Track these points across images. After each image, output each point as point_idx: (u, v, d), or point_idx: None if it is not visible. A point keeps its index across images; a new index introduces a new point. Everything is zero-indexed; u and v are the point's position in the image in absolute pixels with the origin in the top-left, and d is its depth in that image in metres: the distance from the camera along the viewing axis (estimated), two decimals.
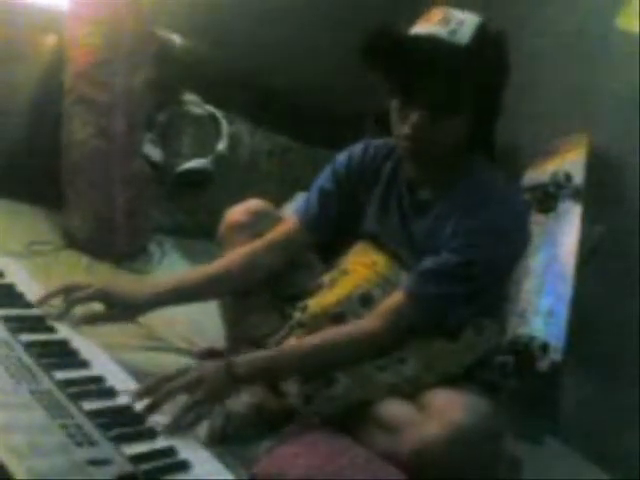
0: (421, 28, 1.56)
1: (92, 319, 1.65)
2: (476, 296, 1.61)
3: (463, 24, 1.52)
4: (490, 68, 1.53)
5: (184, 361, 1.82)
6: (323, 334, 1.64)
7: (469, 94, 1.54)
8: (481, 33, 1.53)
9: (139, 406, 1.37)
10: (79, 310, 1.65)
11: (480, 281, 1.59)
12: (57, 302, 1.65)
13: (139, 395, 1.40)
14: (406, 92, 1.57)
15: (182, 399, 1.42)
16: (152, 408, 1.37)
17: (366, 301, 1.69)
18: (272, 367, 1.58)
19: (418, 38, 1.55)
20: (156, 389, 1.41)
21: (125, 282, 2.20)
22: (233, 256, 1.79)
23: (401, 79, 1.57)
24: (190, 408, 1.41)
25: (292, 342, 1.68)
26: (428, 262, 1.61)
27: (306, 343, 1.63)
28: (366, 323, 1.63)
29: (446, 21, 1.53)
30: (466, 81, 1.52)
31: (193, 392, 1.43)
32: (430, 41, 1.53)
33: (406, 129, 1.57)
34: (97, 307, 1.68)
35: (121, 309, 1.67)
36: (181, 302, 1.77)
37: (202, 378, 1.45)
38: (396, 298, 1.62)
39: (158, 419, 1.36)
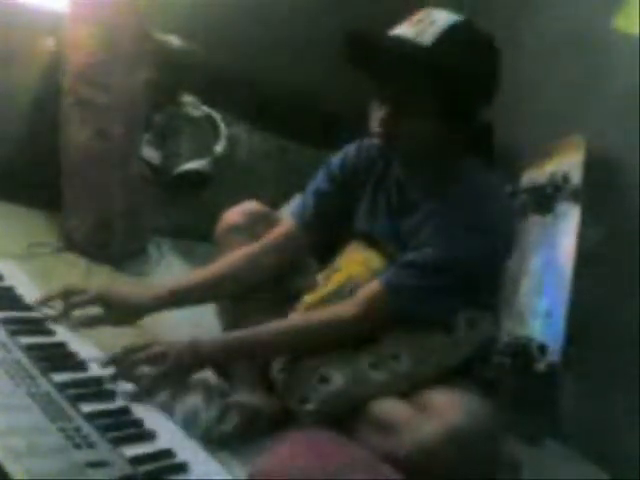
0: (397, 29, 1.59)
1: (91, 322, 1.66)
2: (458, 290, 1.62)
3: (433, 25, 1.54)
4: (454, 69, 1.52)
5: None
6: (295, 317, 1.69)
7: (430, 94, 1.55)
8: (450, 34, 1.54)
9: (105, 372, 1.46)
10: (77, 313, 1.66)
11: (456, 276, 1.60)
12: (57, 304, 1.66)
13: (105, 364, 1.49)
14: (375, 90, 1.60)
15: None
16: (116, 377, 1.47)
17: None
18: (238, 347, 1.63)
19: (386, 38, 1.59)
20: (122, 360, 1.50)
21: (124, 285, 2.20)
22: (231, 259, 1.80)
23: (371, 77, 1.61)
24: (152, 380, 1.49)
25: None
26: (407, 255, 1.63)
27: (276, 325, 1.67)
28: (340, 308, 1.65)
29: (420, 22, 1.56)
30: (424, 80, 1.53)
31: (157, 364, 1.51)
32: (395, 41, 1.57)
33: (375, 126, 1.61)
34: (94, 310, 1.69)
35: (119, 313, 1.69)
36: (179, 306, 1.79)
37: (166, 353, 1.53)
38: (373, 287, 1.64)
39: (123, 388, 1.45)
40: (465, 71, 1.54)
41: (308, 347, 1.65)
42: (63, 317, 1.64)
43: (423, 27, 1.54)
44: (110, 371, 1.48)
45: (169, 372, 1.53)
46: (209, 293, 1.81)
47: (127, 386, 1.47)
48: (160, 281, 2.39)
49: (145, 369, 1.51)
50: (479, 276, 1.65)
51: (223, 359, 1.67)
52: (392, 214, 1.73)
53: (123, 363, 1.50)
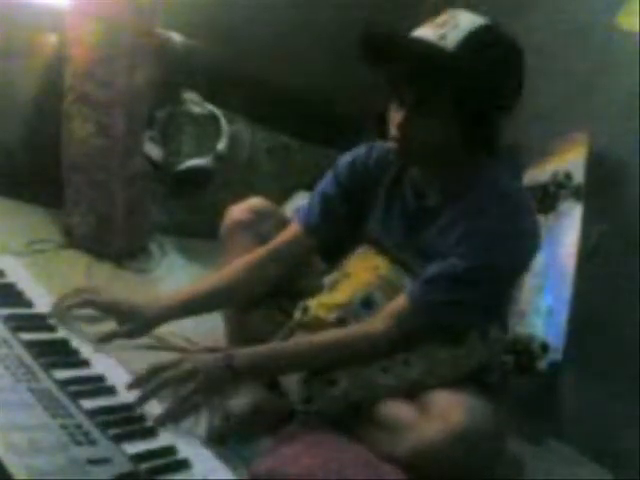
0: (419, 30, 1.57)
1: (107, 338, 1.60)
2: (483, 302, 1.60)
3: (456, 28, 1.52)
4: (474, 75, 1.50)
5: None
6: (325, 334, 1.63)
7: (452, 98, 1.52)
8: (474, 39, 1.51)
9: (132, 397, 1.38)
10: (94, 329, 1.63)
11: (487, 287, 1.58)
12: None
13: (131, 386, 1.41)
14: (393, 92, 1.58)
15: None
16: (144, 399, 1.38)
17: (368, 304, 1.68)
18: (272, 362, 1.58)
19: (407, 40, 1.57)
20: (149, 379, 1.41)
21: (129, 286, 2.20)
22: (239, 267, 1.77)
23: (389, 79, 1.58)
24: (183, 400, 1.40)
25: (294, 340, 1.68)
26: (434, 268, 1.59)
27: (308, 341, 1.63)
28: (370, 326, 1.62)
29: (443, 24, 1.53)
30: (447, 85, 1.51)
31: (187, 384, 1.43)
32: (417, 44, 1.54)
33: (393, 130, 1.58)
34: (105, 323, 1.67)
35: (132, 324, 1.65)
36: (189, 316, 1.76)
37: (197, 369, 1.44)
38: (401, 302, 1.61)
39: (152, 410, 1.36)
40: (488, 77, 1.52)
41: (340, 363, 1.61)
42: (70, 311, 1.61)
43: (446, 30, 1.52)
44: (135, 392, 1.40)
45: (200, 391, 1.43)
46: (218, 303, 1.79)
47: (156, 408, 1.37)
48: (161, 279, 2.40)
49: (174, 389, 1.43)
50: (507, 283, 1.65)
51: (256, 374, 1.59)
52: (409, 222, 1.70)
53: (151, 383, 1.40)
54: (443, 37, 1.51)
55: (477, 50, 1.51)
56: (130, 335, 1.66)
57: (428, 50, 1.52)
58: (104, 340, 1.59)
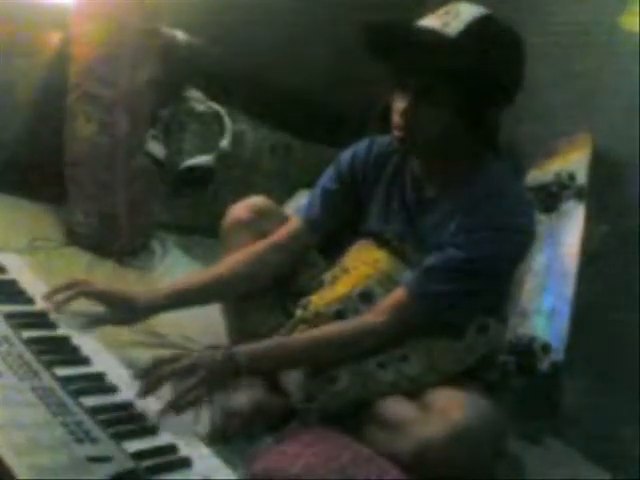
0: (423, 20, 1.58)
1: (96, 323, 1.62)
2: (480, 293, 1.61)
3: (458, 17, 1.53)
4: (476, 63, 1.51)
5: None
6: (326, 328, 1.64)
7: (453, 85, 1.53)
8: (475, 27, 1.52)
9: (133, 395, 1.39)
10: (82, 312, 1.63)
11: (483, 278, 1.59)
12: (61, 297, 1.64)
13: (133, 379, 1.42)
14: (396, 81, 1.59)
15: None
16: (144, 392, 1.39)
17: (366, 298, 1.69)
18: (273, 357, 1.58)
19: (411, 28, 1.58)
20: (149, 373, 1.42)
21: (130, 284, 2.20)
22: (237, 258, 1.78)
23: (393, 67, 1.60)
24: (184, 393, 1.41)
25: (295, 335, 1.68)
26: (431, 259, 1.61)
27: (308, 336, 1.64)
28: (369, 318, 1.63)
29: (445, 14, 1.55)
30: (448, 71, 1.52)
31: (187, 379, 1.43)
32: (421, 31, 1.56)
33: (396, 118, 1.59)
34: (97, 310, 1.67)
35: (124, 312, 1.65)
36: (185, 306, 1.75)
37: (197, 365, 1.46)
38: (398, 294, 1.62)
39: (151, 404, 1.37)
40: (489, 64, 1.52)
41: (340, 356, 1.62)
42: (64, 306, 1.61)
43: (449, 19, 1.53)
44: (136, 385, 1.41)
45: (202, 384, 1.44)
46: (215, 294, 1.80)
47: (155, 401, 1.38)
48: (163, 277, 2.40)
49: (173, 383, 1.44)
50: (503, 275, 1.65)
51: (257, 369, 1.59)
52: (408, 213, 1.71)
53: (150, 377, 1.41)
54: (445, 25, 1.53)
55: (479, 37, 1.52)
56: (118, 322, 1.67)
57: (431, 37, 1.53)
58: (89, 326, 1.59)
